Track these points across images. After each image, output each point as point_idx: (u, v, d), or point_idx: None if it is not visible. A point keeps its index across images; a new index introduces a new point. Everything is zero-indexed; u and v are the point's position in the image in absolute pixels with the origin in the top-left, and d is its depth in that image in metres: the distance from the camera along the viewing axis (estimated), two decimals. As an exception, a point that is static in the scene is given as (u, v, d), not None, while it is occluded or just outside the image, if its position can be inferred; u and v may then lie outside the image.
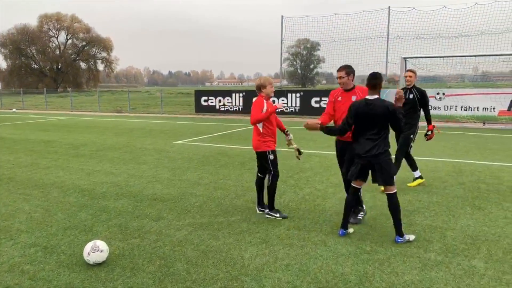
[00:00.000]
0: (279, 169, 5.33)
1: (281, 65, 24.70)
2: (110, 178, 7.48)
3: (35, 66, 73.39)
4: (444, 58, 17.53)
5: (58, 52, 74.13)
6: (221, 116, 21.60)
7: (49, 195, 6.35)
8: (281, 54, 23.72)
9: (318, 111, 16.97)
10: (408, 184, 6.68)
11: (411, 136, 6.46)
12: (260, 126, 5.15)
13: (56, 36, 74.17)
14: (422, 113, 6.62)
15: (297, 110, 20.11)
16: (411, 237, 4.45)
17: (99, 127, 16.72)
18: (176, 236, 4.62)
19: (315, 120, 4.80)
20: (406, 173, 7.00)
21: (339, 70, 4.89)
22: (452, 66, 17.87)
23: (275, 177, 5.24)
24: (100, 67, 78.79)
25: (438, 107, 16.75)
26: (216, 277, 3.67)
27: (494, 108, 15.93)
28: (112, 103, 33.49)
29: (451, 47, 18.61)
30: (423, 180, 6.81)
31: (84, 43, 75.13)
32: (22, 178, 7.50)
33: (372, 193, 6.12)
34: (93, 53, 76.14)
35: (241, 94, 21.67)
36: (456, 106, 16.50)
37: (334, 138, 5.16)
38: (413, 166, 6.73)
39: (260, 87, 5.19)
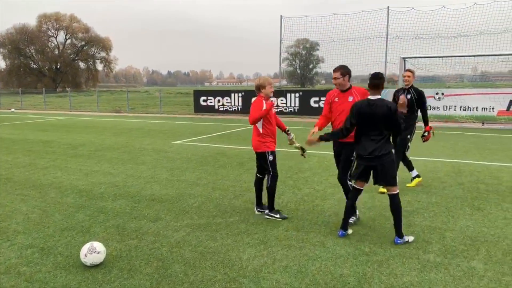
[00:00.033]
0: (278, 170, 5.31)
1: (280, 65, 24.68)
2: (108, 178, 7.45)
3: (34, 66, 73.29)
4: (443, 58, 17.53)
5: (57, 52, 74.06)
6: (220, 116, 21.58)
7: (46, 196, 6.32)
8: (280, 54, 23.70)
9: (317, 111, 16.93)
10: (407, 185, 6.66)
11: (408, 136, 6.43)
12: (259, 126, 5.13)
13: (55, 36, 74.20)
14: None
15: (296, 110, 20.09)
16: (410, 238, 4.43)
17: (98, 127, 16.69)
18: (174, 237, 4.60)
19: (313, 136, 4.71)
20: (405, 174, 6.97)
21: (334, 71, 4.86)
22: (451, 66, 17.88)
23: (274, 178, 5.22)
24: (99, 67, 78.88)
25: (437, 107, 16.75)
26: (214, 279, 3.64)
27: (493, 108, 15.93)
28: (111, 103, 33.45)
29: (450, 47, 18.61)
30: (421, 178, 6.79)
31: (83, 43, 75.08)
32: (20, 179, 7.47)
33: (370, 194, 6.10)
34: (92, 53, 76.06)
35: (240, 94, 21.65)
36: (455, 106, 16.50)
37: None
38: (409, 166, 6.70)
39: (259, 87, 5.16)
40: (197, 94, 23.24)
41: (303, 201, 5.98)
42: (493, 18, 17.79)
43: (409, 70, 6.56)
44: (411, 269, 3.78)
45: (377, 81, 4.32)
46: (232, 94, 21.82)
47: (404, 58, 16.25)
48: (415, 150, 8.80)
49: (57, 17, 72.42)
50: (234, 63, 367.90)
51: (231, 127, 16.16)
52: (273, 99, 5.91)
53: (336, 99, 4.94)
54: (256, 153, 5.26)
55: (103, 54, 76.77)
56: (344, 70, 4.82)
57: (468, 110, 16.32)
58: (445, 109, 16.69)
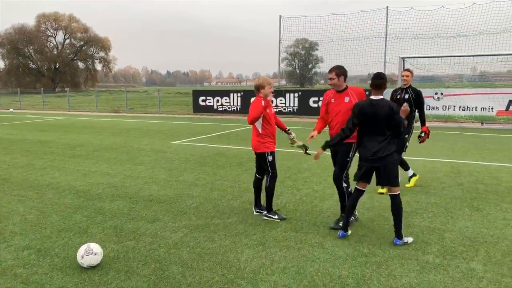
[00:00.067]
0: (277, 170, 5.28)
1: (279, 65, 24.68)
2: (106, 179, 7.42)
3: (33, 66, 73.17)
4: (442, 58, 17.54)
5: (55, 52, 73.99)
6: (219, 116, 21.55)
7: (44, 197, 6.29)
8: (279, 54, 23.71)
9: (316, 111, 16.84)
10: (406, 185, 6.63)
11: (406, 136, 6.41)
12: (259, 127, 5.10)
13: (53, 35, 74.14)
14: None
15: (295, 110, 20.07)
16: (410, 239, 4.41)
17: (96, 127, 16.65)
18: (171, 239, 4.57)
19: (318, 150, 4.72)
20: (403, 174, 6.95)
21: (329, 71, 4.82)
22: (450, 66, 17.89)
23: (273, 178, 5.19)
24: (98, 67, 78.88)
25: (436, 107, 16.74)
26: (212, 281, 3.62)
27: (492, 108, 15.92)
28: (110, 103, 33.40)
29: (449, 47, 18.62)
30: (418, 176, 6.77)
31: (82, 42, 75.03)
32: (18, 179, 7.43)
33: (370, 194, 6.07)
34: (91, 52, 76.00)
35: (239, 94, 21.62)
36: (454, 106, 16.49)
37: (329, 138, 5.11)
38: (404, 166, 6.69)
39: (258, 88, 5.13)
40: (196, 94, 23.21)
41: (302, 201, 5.95)
42: (492, 18, 17.82)
43: (407, 70, 6.55)
44: (410, 270, 3.76)
45: (379, 81, 4.30)
46: (231, 94, 21.79)
47: (403, 58, 16.23)
48: (414, 151, 8.79)
49: (56, 17, 72.35)
50: (233, 63, 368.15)
51: (230, 127, 16.13)
52: (270, 97, 5.83)
53: (333, 100, 4.91)
54: (256, 153, 5.24)
55: (102, 54, 76.83)
56: (339, 71, 4.78)
57: (467, 110, 16.31)
58: (444, 109, 16.68)
